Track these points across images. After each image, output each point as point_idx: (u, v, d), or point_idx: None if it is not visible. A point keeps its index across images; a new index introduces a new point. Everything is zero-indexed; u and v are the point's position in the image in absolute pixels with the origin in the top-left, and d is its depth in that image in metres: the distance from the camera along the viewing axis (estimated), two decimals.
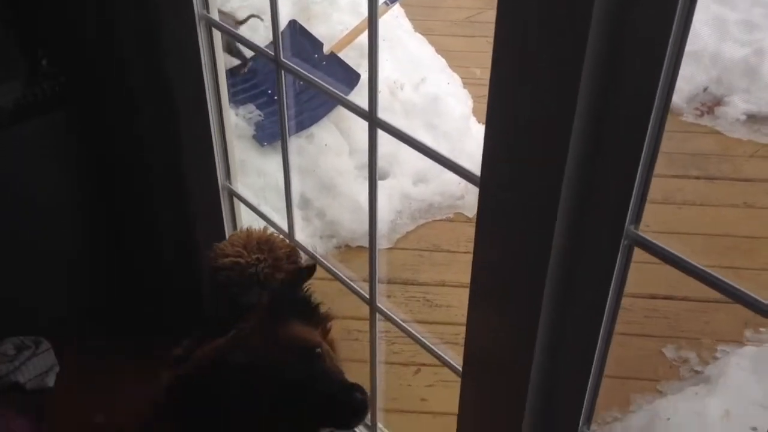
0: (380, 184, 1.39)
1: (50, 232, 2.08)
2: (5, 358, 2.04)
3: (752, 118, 3.30)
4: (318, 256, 1.66)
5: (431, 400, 2.10)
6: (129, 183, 2.09)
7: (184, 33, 1.60)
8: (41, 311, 2.11)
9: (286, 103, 1.54)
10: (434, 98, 2.97)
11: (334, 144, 2.78)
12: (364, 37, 2.92)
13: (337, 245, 2.63)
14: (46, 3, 1.83)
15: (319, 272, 1.65)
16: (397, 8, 3.31)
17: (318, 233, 2.63)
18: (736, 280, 0.86)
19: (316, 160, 2.74)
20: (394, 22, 3.25)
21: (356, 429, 1.70)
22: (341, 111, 2.80)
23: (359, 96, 2.56)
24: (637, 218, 0.92)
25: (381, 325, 1.57)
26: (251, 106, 2.80)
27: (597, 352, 1.04)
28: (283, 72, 1.49)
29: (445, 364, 1.41)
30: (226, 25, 1.73)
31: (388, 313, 1.51)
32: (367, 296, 1.52)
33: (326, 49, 2.93)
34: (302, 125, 2.76)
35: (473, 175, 1.09)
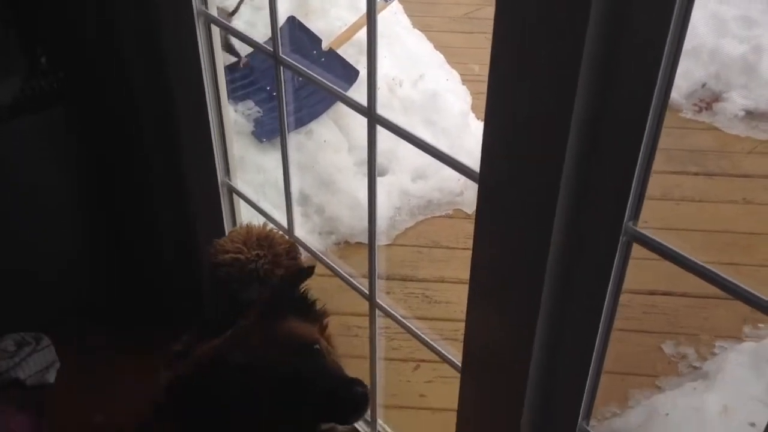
0: (379, 180, 1.39)
1: (50, 226, 2.08)
2: (6, 355, 2.04)
3: (750, 115, 3.30)
4: (318, 253, 1.66)
5: (430, 396, 2.11)
6: (128, 180, 2.10)
7: (183, 29, 1.60)
8: (41, 309, 2.11)
9: (285, 99, 1.54)
10: (433, 95, 2.97)
11: (333, 140, 2.78)
12: (362, 33, 2.93)
13: (337, 241, 2.63)
14: (47, 1, 1.83)
15: (319, 268, 1.65)
16: (395, 4, 3.31)
17: (317, 229, 2.63)
18: (735, 276, 0.86)
19: (315, 156, 2.74)
20: (392, 18, 3.24)
21: (356, 425, 1.71)
22: (340, 107, 2.80)
23: (358, 92, 2.56)
24: (636, 214, 0.93)
25: (380, 321, 1.57)
26: (250, 103, 2.80)
27: (596, 348, 1.05)
28: (282, 68, 1.49)
29: (445, 360, 1.42)
30: (224, 21, 1.73)
31: (388, 309, 1.52)
32: (367, 292, 1.52)
33: (325, 46, 2.93)
34: (301, 122, 2.76)
35: (472, 171, 1.10)
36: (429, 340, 1.47)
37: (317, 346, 1.27)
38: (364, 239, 2.47)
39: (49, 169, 2.04)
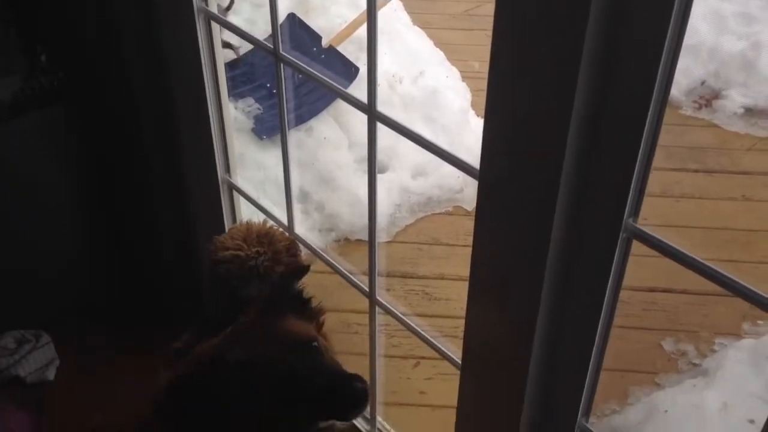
0: (379, 177, 1.39)
1: (50, 225, 2.08)
2: (5, 352, 2.04)
3: (750, 112, 3.30)
4: (318, 250, 1.66)
5: (430, 393, 2.11)
6: (129, 178, 2.10)
7: (183, 26, 1.60)
8: (41, 308, 2.11)
9: (285, 96, 1.54)
10: (433, 91, 2.96)
11: (333, 137, 2.78)
12: (362, 30, 2.93)
13: (337, 238, 2.63)
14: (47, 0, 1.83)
15: (319, 265, 1.65)
16: (395, 1, 3.31)
17: (317, 226, 2.63)
18: (735, 273, 0.86)
19: (315, 153, 2.74)
20: (392, 15, 3.24)
21: (356, 422, 1.71)
22: (340, 104, 2.80)
23: (358, 89, 2.56)
24: (636, 211, 0.93)
25: (380, 318, 1.57)
26: (250, 100, 2.80)
27: (595, 345, 1.05)
28: (282, 65, 1.49)
29: (445, 357, 1.42)
30: (223, 17, 1.73)
31: (388, 306, 1.52)
32: (367, 289, 1.52)
33: (325, 43, 2.93)
34: (301, 119, 2.76)
35: (473, 168, 1.10)
36: (429, 337, 1.47)
37: (315, 344, 1.27)
38: (364, 236, 2.48)
39: (49, 168, 2.04)
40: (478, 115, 3.02)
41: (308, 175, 2.69)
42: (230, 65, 2.73)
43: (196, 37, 1.59)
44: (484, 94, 0.97)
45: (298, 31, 2.92)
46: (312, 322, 1.36)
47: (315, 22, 2.98)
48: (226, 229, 1.79)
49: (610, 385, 2.03)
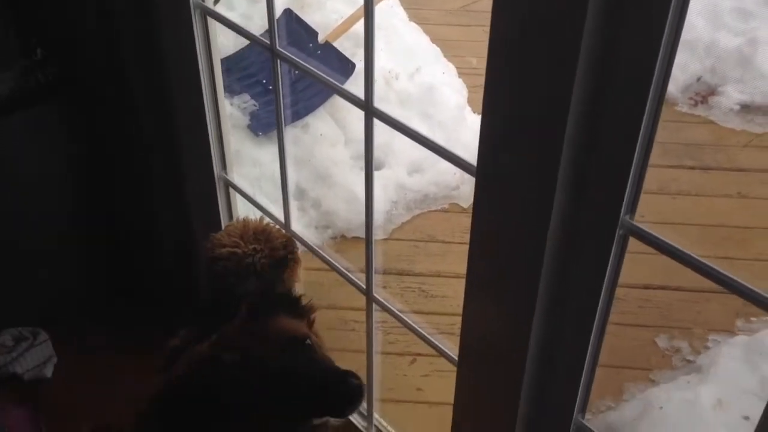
0: (375, 174, 1.39)
1: (47, 221, 2.07)
2: (3, 349, 2.04)
3: (746, 108, 3.30)
4: (314, 247, 1.66)
5: (427, 390, 2.11)
6: (125, 175, 2.09)
7: (179, 23, 1.59)
8: (39, 306, 2.11)
9: (282, 92, 1.54)
10: (429, 88, 2.96)
11: (329, 134, 2.78)
12: (358, 26, 2.92)
13: (333, 236, 2.63)
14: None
15: (316, 263, 1.65)
16: None
17: (313, 223, 2.63)
18: (731, 270, 0.86)
19: (311, 150, 2.73)
20: (389, 10, 3.23)
21: (353, 420, 1.71)
22: (336, 101, 2.79)
23: (354, 85, 2.55)
24: (633, 208, 0.93)
25: (377, 315, 1.57)
26: (246, 96, 2.79)
27: (591, 341, 1.05)
28: (278, 61, 1.48)
29: (441, 354, 1.42)
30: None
31: (385, 303, 1.52)
32: (364, 287, 1.52)
33: (321, 38, 2.92)
34: (297, 115, 2.75)
35: (469, 164, 1.10)
36: (426, 334, 1.47)
37: (308, 341, 1.27)
38: (361, 233, 2.47)
39: (46, 164, 2.03)
40: (474, 112, 3.02)
41: (304, 171, 2.69)
42: (226, 60, 2.72)
43: (192, 33, 1.59)
44: (481, 91, 0.97)
45: (294, 27, 2.91)
46: (303, 320, 1.37)
47: (311, 18, 2.97)
48: (223, 226, 1.79)
49: (605, 381, 2.03)
